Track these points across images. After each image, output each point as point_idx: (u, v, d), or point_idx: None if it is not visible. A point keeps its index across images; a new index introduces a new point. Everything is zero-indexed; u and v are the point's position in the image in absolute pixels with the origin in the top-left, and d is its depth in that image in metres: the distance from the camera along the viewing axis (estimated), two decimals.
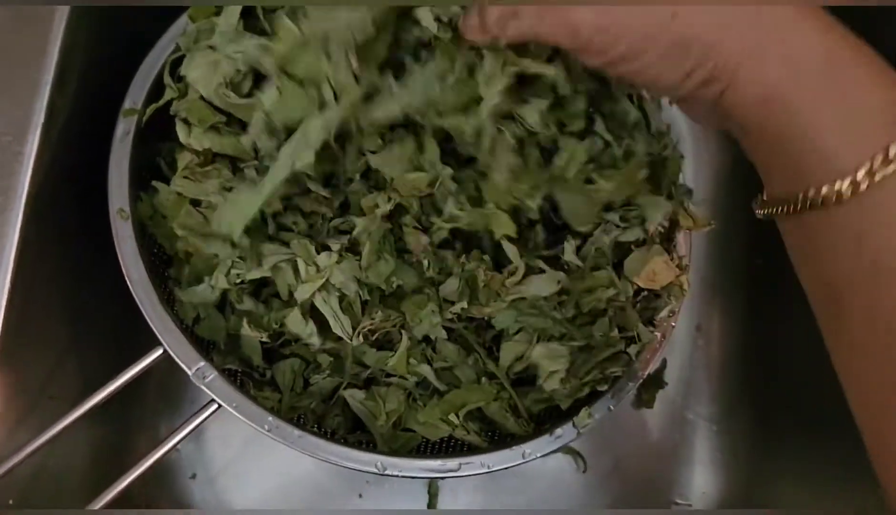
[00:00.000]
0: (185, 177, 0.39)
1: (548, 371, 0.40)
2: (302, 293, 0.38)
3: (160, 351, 0.38)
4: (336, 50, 0.33)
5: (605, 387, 0.42)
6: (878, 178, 0.24)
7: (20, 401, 0.40)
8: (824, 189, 0.25)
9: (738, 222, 0.42)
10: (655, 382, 0.54)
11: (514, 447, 0.41)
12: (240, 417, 0.38)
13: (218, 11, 0.40)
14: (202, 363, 0.38)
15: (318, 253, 0.38)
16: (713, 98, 0.27)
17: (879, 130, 0.24)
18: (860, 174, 0.24)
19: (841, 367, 0.28)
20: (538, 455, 0.41)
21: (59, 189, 0.40)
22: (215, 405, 0.39)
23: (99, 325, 0.49)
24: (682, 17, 0.26)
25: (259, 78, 0.37)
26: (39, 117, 0.38)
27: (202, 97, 0.38)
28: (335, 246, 0.38)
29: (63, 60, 0.39)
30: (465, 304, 0.40)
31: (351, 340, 0.40)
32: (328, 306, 0.39)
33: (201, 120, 0.38)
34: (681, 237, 0.45)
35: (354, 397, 0.43)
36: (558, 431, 0.41)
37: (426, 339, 0.43)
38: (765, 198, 0.29)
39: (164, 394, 0.55)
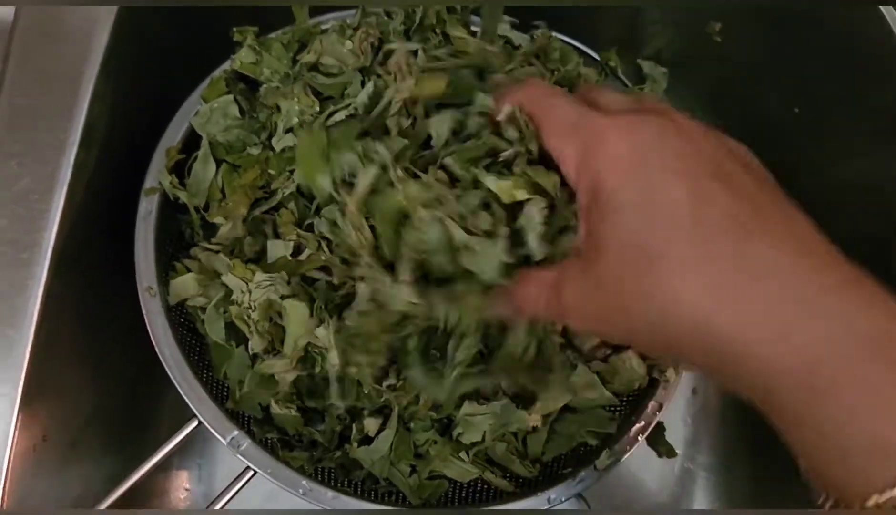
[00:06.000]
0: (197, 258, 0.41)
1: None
2: None
3: (195, 424, 0.40)
4: None
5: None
6: None
7: (44, 456, 0.41)
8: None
9: None
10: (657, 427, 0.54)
11: (539, 494, 0.42)
12: (275, 482, 0.40)
13: (230, 90, 0.42)
14: (236, 432, 0.40)
15: None
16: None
17: None
18: None
19: None
20: (563, 500, 0.42)
21: (84, 245, 0.41)
22: (251, 472, 0.40)
23: (120, 374, 0.50)
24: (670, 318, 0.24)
25: None
26: (66, 175, 0.39)
27: None
28: None
29: (90, 119, 0.40)
30: None
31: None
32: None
33: None
34: None
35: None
36: (581, 474, 0.42)
37: None
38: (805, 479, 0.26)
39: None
